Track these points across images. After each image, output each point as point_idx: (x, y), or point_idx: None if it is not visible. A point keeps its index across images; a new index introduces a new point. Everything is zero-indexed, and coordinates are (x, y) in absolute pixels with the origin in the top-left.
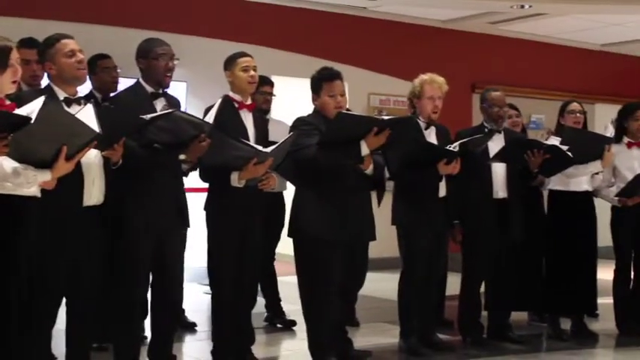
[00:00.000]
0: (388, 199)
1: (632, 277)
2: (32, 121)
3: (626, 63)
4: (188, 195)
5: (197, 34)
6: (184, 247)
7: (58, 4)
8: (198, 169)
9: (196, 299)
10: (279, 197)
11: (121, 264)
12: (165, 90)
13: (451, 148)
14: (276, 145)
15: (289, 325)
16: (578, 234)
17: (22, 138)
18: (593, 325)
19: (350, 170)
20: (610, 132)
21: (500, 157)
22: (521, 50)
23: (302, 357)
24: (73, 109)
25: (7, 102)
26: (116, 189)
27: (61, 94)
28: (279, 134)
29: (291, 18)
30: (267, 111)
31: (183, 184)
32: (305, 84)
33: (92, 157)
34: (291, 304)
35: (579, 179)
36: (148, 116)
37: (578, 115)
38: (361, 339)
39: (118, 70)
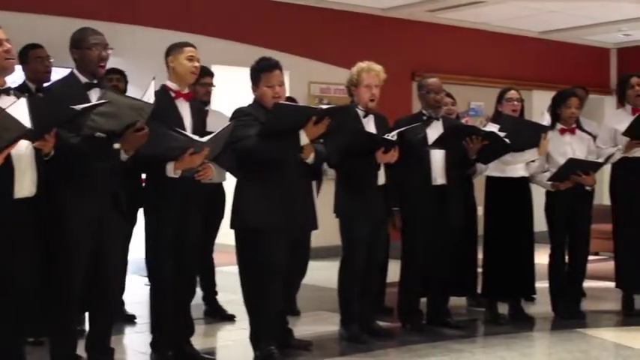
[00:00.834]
0: (329, 187)
1: (566, 260)
2: None
3: (563, 50)
4: None
5: (136, 23)
6: (126, 239)
7: None
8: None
9: (136, 291)
10: (218, 188)
11: (56, 254)
12: (100, 79)
13: (389, 137)
14: (213, 134)
15: (228, 319)
16: (515, 219)
17: None
18: (529, 309)
19: (290, 160)
20: (547, 120)
21: (438, 143)
22: (461, 38)
23: (242, 347)
24: (2, 101)
25: None
26: (50, 180)
27: None
28: (217, 125)
29: (232, 7)
30: (208, 102)
31: (120, 174)
32: (245, 73)
33: (23, 148)
34: (232, 293)
35: (515, 165)
36: (79, 107)
37: (515, 102)
38: (302, 327)
39: (51, 60)
